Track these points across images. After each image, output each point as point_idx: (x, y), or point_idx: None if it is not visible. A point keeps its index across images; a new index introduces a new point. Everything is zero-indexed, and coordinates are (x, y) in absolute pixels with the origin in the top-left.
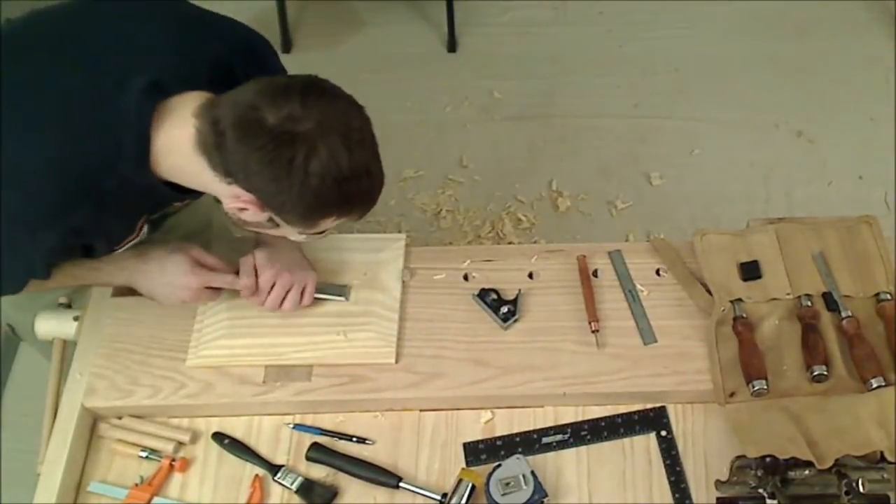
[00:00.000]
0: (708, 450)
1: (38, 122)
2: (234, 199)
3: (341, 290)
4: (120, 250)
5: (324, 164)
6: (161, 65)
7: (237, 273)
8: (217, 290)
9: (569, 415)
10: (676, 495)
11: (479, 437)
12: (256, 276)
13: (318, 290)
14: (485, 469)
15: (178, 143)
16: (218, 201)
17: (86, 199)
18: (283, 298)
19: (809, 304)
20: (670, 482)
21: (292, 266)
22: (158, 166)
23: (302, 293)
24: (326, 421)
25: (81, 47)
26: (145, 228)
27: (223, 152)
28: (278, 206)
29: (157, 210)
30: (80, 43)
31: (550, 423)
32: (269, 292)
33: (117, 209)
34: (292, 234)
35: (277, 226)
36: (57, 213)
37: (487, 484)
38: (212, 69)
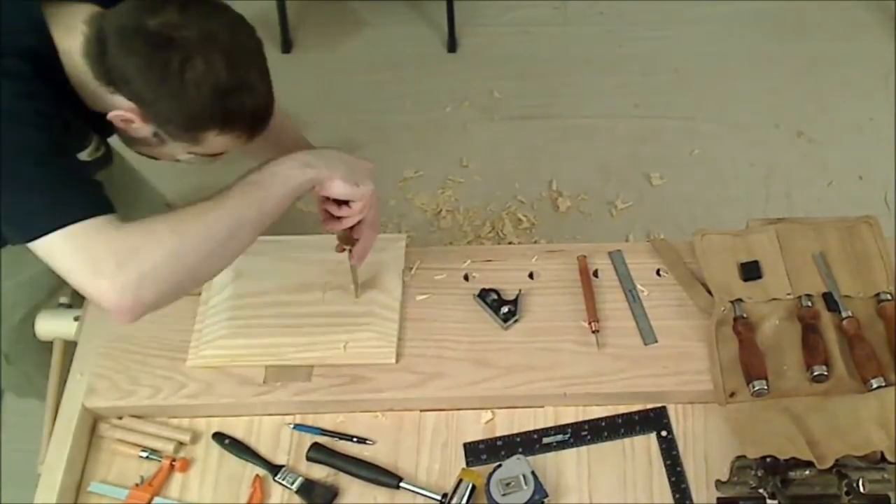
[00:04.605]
0: (708, 450)
1: None
2: (119, 110)
3: None
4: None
5: (199, 73)
6: None
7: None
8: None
9: (569, 415)
10: (677, 495)
11: (480, 438)
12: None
13: None
14: (485, 469)
15: (70, 50)
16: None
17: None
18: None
19: (810, 304)
20: (671, 482)
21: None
22: (65, 68)
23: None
24: (327, 421)
25: None
26: (102, 148)
27: (105, 59)
28: (158, 115)
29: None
30: None
31: (551, 424)
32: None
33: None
34: (180, 151)
35: (164, 142)
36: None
37: (488, 484)
38: None
